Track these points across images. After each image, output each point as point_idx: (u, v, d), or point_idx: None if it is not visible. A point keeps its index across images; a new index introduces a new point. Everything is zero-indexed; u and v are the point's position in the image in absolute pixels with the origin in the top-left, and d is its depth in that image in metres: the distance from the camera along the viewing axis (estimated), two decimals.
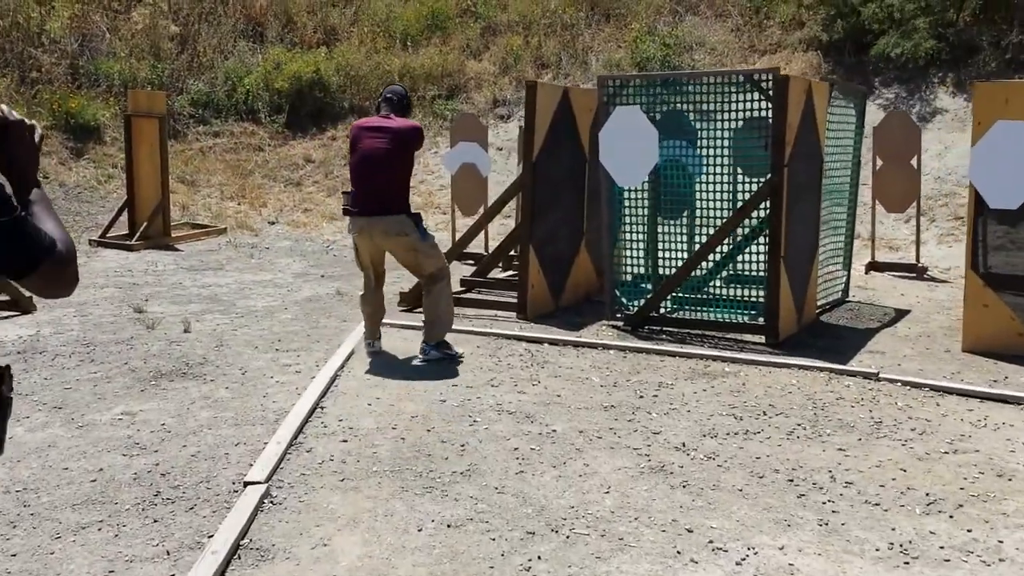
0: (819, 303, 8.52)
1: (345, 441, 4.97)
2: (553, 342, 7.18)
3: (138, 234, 12.28)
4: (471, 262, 10.42)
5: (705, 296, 7.92)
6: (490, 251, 10.05)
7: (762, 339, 7.28)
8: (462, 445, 4.93)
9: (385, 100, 6.66)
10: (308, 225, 14.09)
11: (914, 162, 10.46)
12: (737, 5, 17.41)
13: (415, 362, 6.57)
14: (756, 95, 7.27)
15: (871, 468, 4.68)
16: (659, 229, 7.92)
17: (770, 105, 7.11)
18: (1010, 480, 4.55)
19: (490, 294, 9.01)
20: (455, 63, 17.74)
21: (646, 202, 7.88)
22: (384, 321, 7.54)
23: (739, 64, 16.61)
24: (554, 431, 5.15)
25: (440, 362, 6.51)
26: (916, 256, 10.73)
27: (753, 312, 7.53)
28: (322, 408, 5.51)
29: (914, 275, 10.46)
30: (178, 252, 12.06)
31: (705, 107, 7.57)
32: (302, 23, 19.25)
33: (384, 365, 6.52)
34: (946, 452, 4.94)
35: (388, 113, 6.59)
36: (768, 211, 7.18)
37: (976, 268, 7.07)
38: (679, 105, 7.66)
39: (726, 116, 7.47)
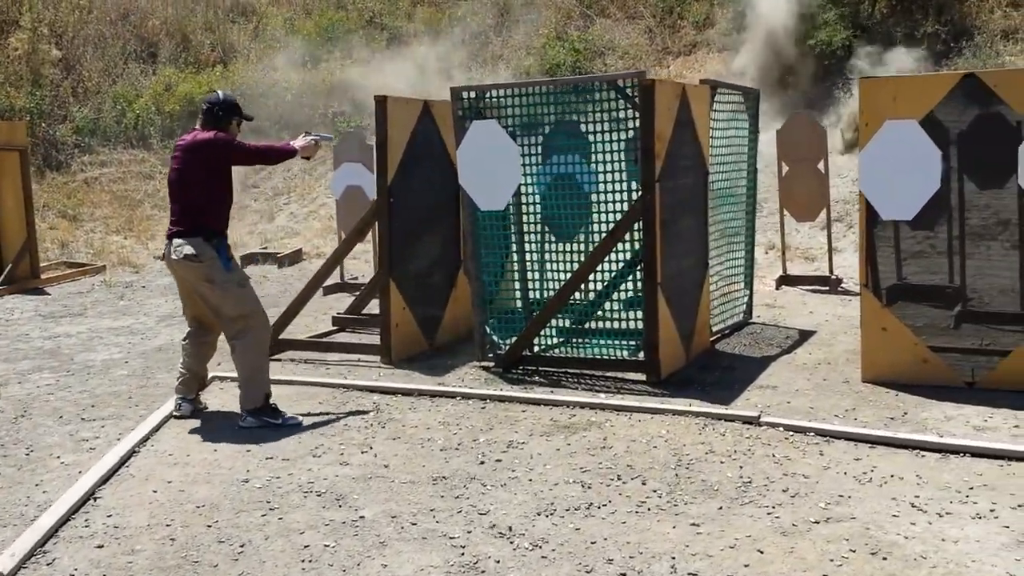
0: (716, 329, 7.80)
1: (101, 547, 4.12)
2: (407, 393, 6.37)
3: (1, 278, 11.30)
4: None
5: (582, 330, 7.14)
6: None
7: (644, 377, 6.53)
8: (242, 545, 4.10)
9: (199, 112, 5.92)
10: None
11: (821, 166, 9.81)
12: (649, 6, 16.75)
13: (240, 424, 5.75)
14: (622, 103, 6.52)
15: (723, 551, 3.92)
16: (528, 256, 7.15)
17: (636, 114, 6.37)
18: (884, 559, 3.81)
19: (362, 335, 8.20)
20: (359, 77, 16.90)
21: (511, 227, 7.09)
22: (220, 373, 6.72)
23: (653, 67, 15.95)
24: (362, 518, 4.33)
25: (261, 430, 5.66)
26: (829, 267, 10.07)
27: (633, 346, 6.77)
28: (95, 500, 4.65)
29: (827, 288, 9.79)
30: (45, 296, 11.12)
31: (568, 117, 6.81)
32: (198, 41, 18.33)
33: (201, 433, 5.67)
34: (817, 521, 4.20)
35: (194, 128, 5.87)
36: (640, 233, 6.43)
37: (872, 287, 6.37)
38: (542, 116, 6.88)
39: (593, 127, 6.72)
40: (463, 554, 3.94)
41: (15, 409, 6.29)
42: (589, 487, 4.64)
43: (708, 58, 15.81)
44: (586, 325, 7.10)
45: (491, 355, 7.01)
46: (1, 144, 11.48)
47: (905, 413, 5.72)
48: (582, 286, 6.80)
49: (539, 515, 4.31)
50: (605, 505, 4.42)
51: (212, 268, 5.62)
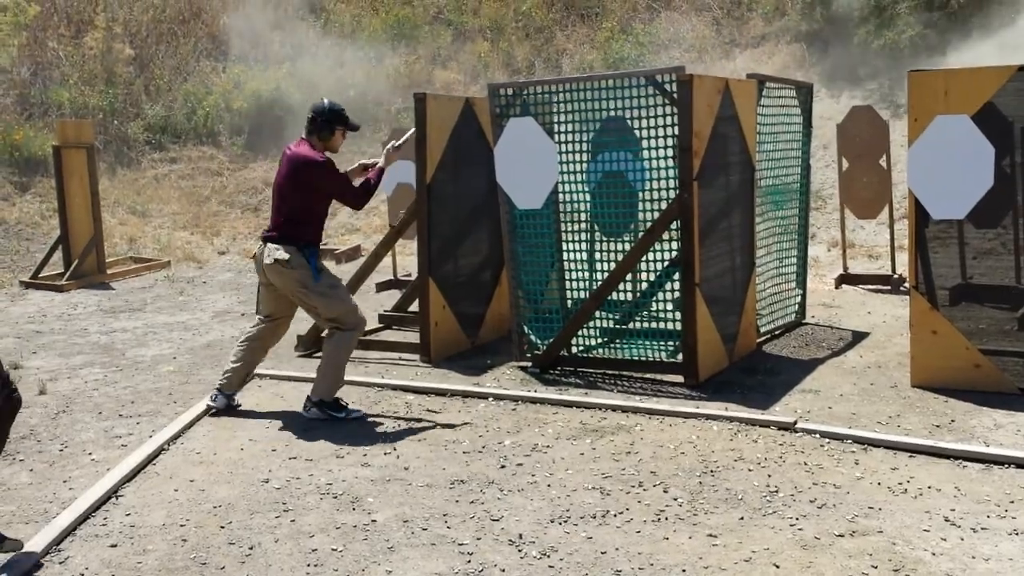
0: (764, 330, 7.59)
1: (114, 546, 4.14)
2: (440, 393, 6.32)
3: (68, 273, 11.57)
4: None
5: (621, 331, 7.01)
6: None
7: (682, 379, 6.38)
8: (251, 547, 4.09)
9: (307, 120, 5.89)
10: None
11: (883, 162, 9.50)
12: None
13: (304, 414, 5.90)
14: (661, 99, 6.36)
15: (737, 564, 3.79)
16: (566, 256, 7.04)
17: (675, 110, 6.21)
18: None
19: (407, 333, 8.18)
20: (422, 73, 16.95)
21: (551, 225, 6.98)
22: (260, 371, 6.76)
23: (719, 61, 15.68)
24: (373, 522, 4.29)
25: (320, 421, 5.81)
26: (891, 266, 9.75)
27: (672, 348, 6.62)
28: (118, 498, 4.69)
29: (888, 288, 9.48)
30: (110, 291, 11.33)
31: (607, 114, 6.66)
32: (267, 39, 18.53)
33: (231, 431, 5.70)
34: (841, 535, 4.03)
35: (302, 137, 5.90)
36: (679, 232, 6.28)
37: (923, 288, 6.13)
38: (582, 113, 6.75)
39: (634, 125, 6.57)
40: (469, 561, 3.88)
41: (58, 404, 6.40)
42: (608, 494, 4.53)
43: (777, 50, 15.46)
44: (625, 326, 6.96)
45: (529, 355, 6.92)
46: (70, 142, 11.74)
47: (952, 420, 5.48)
48: (620, 286, 6.65)
49: (552, 522, 4.22)
50: (622, 513, 4.31)
51: (303, 275, 5.70)
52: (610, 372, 6.68)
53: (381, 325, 8.47)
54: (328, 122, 5.77)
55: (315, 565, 3.91)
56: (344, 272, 11.95)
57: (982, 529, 4.05)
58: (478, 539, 4.07)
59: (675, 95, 6.19)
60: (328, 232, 13.81)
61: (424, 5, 18.47)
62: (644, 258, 6.62)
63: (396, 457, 5.11)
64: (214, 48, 18.17)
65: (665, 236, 6.50)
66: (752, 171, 7.07)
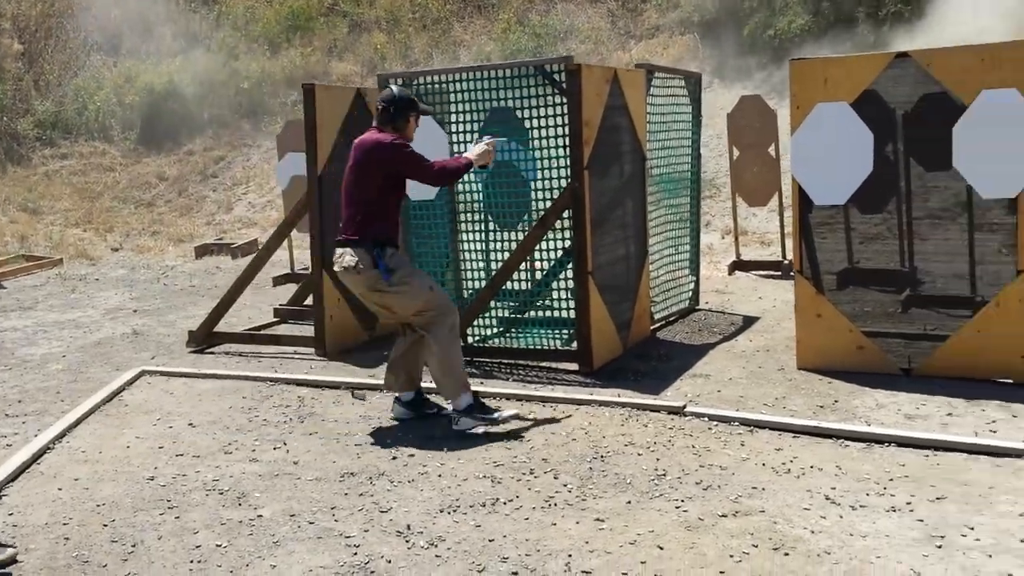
0: (658, 316, 7.69)
1: None
2: (333, 386, 6.25)
3: None
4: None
5: (517, 320, 7.03)
6: None
7: (577, 367, 6.42)
8: (134, 545, 3.98)
9: (376, 110, 5.48)
10: (153, 250, 13.03)
11: (772, 150, 9.70)
12: None
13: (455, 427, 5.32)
14: (551, 89, 6.39)
15: (622, 547, 3.82)
16: (462, 247, 7.02)
17: (565, 100, 6.24)
18: (786, 555, 3.71)
19: (304, 327, 8.06)
20: (318, 65, 16.73)
21: (445, 216, 6.96)
22: (149, 367, 6.59)
23: (615, 52, 15.82)
24: (259, 517, 4.22)
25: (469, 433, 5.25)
26: (782, 252, 9.98)
27: (566, 336, 6.66)
28: (1, 498, 4.52)
29: (779, 273, 9.69)
30: (0, 290, 10.93)
31: (496, 104, 6.66)
32: (159, 32, 18.10)
33: (118, 430, 5.53)
34: (724, 515, 4.10)
35: (373, 126, 5.45)
36: (571, 221, 6.31)
37: (808, 273, 6.27)
38: (473, 103, 6.73)
39: (523, 114, 6.58)
40: (356, 554, 3.83)
41: None
42: (499, 482, 4.53)
43: (671, 41, 15.66)
44: (521, 315, 6.98)
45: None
46: None
47: (836, 401, 5.63)
48: (515, 275, 6.66)
49: (441, 512, 4.20)
50: (511, 501, 4.31)
51: (372, 278, 5.25)
52: (506, 361, 6.69)
53: (276, 320, 8.34)
54: (401, 110, 5.36)
55: (199, 561, 3.83)
56: (241, 266, 11.72)
57: (861, 507, 4.16)
58: (365, 531, 4.03)
59: (564, 85, 6.21)
60: (224, 226, 13.59)
61: None
62: (540, 247, 6.65)
63: (286, 452, 5.03)
64: (104, 42, 17.66)
65: (560, 225, 6.54)
66: (643, 160, 7.15)
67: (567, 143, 6.31)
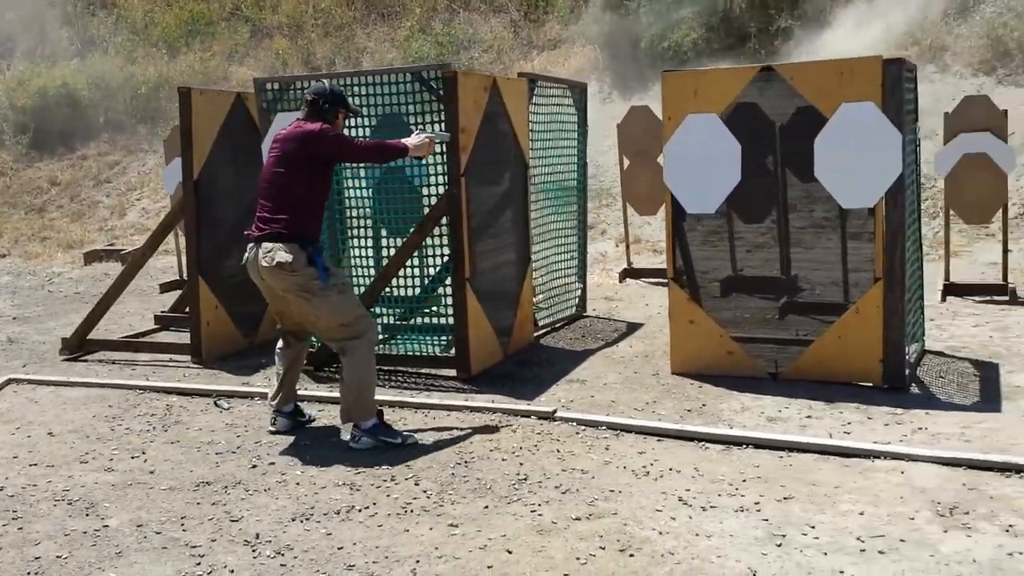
0: (544, 323, 7.74)
1: None
2: (204, 394, 6.15)
3: None
4: None
5: (398, 327, 7.00)
6: None
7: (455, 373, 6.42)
8: None
9: (304, 103, 5.29)
10: (42, 256, 12.67)
11: (661, 160, 9.81)
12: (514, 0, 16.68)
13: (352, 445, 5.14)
14: (428, 96, 6.39)
15: (471, 552, 3.82)
16: (353, 254, 6.95)
17: (442, 107, 6.25)
18: (631, 556, 3.76)
19: (184, 333, 7.91)
20: (218, 69, 16.47)
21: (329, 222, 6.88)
22: (16, 376, 6.40)
23: (518, 62, 15.89)
24: (106, 527, 4.12)
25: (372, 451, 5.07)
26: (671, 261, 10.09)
27: (445, 342, 6.66)
28: None
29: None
30: None
31: (378, 110, 6.63)
32: (56, 35, 17.63)
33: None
34: (578, 518, 4.13)
35: (298, 119, 5.24)
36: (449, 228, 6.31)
37: (682, 280, 6.37)
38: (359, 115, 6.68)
39: (408, 121, 6.56)
40: (199, 563, 3.77)
41: None
42: (358, 489, 4.50)
43: (573, 52, 15.80)
44: (402, 322, 6.96)
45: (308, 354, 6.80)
46: None
47: (704, 405, 5.72)
48: (396, 283, 6.64)
49: (294, 520, 4.16)
50: (367, 508, 4.28)
51: (308, 279, 4.99)
52: (387, 368, 6.65)
53: (157, 327, 8.18)
54: (332, 104, 5.20)
55: (36, 573, 3.72)
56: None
57: (711, 507, 4.23)
58: (213, 541, 3.97)
59: (441, 92, 6.22)
60: (116, 232, 13.30)
61: (220, 1, 17.97)
62: (423, 254, 6.64)
63: (144, 461, 4.93)
64: None
65: (439, 232, 6.52)
66: (525, 168, 7.19)
67: (444, 150, 6.32)
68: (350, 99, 5.76)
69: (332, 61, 16.46)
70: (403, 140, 5.44)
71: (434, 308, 6.93)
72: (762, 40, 14.02)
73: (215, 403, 5.86)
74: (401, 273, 6.63)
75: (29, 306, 9.62)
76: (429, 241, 6.53)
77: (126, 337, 7.63)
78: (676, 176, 6.24)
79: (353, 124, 6.72)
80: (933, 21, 12.52)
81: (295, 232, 5.02)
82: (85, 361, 7.14)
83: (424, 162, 6.58)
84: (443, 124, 6.27)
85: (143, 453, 5.05)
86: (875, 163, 5.71)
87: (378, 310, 6.91)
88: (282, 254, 4.96)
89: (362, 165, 6.73)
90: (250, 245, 5.13)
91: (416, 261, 6.68)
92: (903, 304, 5.85)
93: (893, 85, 5.66)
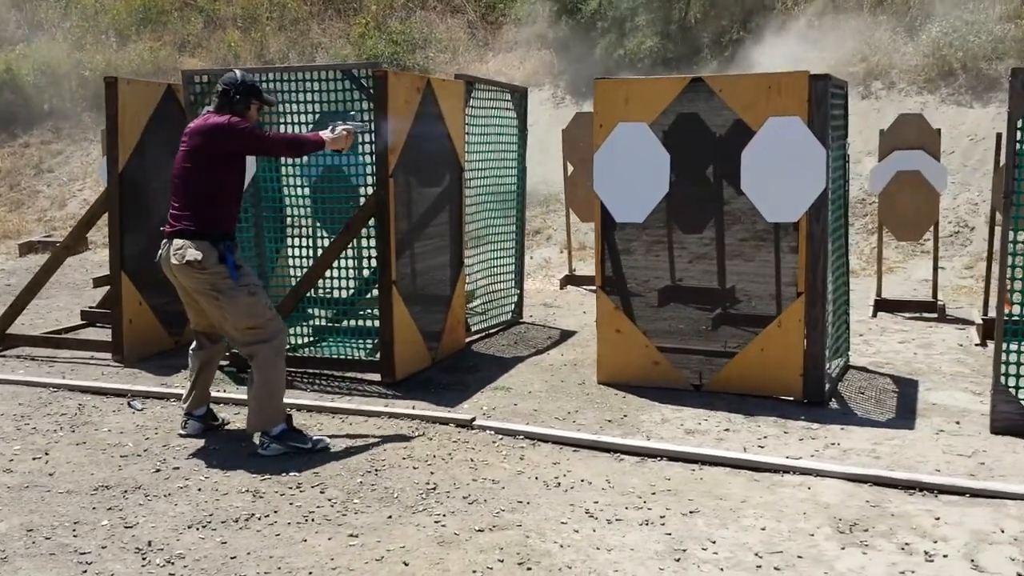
0: (477, 328, 7.69)
1: None
2: (119, 393, 6.03)
3: None
4: None
5: (325, 329, 6.93)
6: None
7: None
8: None
9: (214, 94, 5.12)
10: None
11: None
12: (471, 1, 16.61)
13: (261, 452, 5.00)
14: (358, 95, 6.31)
15: (367, 563, 3.76)
16: (290, 252, 6.86)
17: (372, 106, 6.17)
18: (529, 569, 3.72)
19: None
20: (168, 59, 16.26)
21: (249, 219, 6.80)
22: None
23: (473, 63, 15.83)
24: None
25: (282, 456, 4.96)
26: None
27: (371, 346, 6.59)
28: None
29: None
30: None
31: (305, 107, 6.54)
32: (2, 17, 17.32)
33: None
34: (481, 530, 4.08)
35: (208, 111, 5.10)
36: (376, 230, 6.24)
37: (611, 289, 6.35)
38: (280, 105, 6.60)
39: (333, 119, 6.47)
40: (86, 571, 3.68)
41: None
42: (261, 496, 4.42)
43: (529, 56, 15.76)
44: (329, 324, 6.88)
45: (228, 353, 6.70)
46: None
47: (625, 416, 5.70)
48: (321, 284, 6.56)
49: (190, 528, 4.07)
50: (268, 516, 4.20)
51: (218, 277, 4.88)
52: (312, 371, 6.57)
53: (83, 323, 8.02)
54: (244, 95, 5.02)
55: None
56: (65, 266, 11.25)
57: (616, 520, 4.20)
58: (103, 548, 3.87)
59: (371, 91, 6.15)
60: (55, 223, 13.06)
61: None
62: (353, 255, 6.57)
63: (45, 462, 4.81)
64: None
65: (367, 233, 6.46)
66: (460, 171, 7.13)
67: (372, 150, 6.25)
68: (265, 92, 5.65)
69: (285, 55, 16.31)
70: (320, 133, 5.33)
71: (362, 311, 6.86)
72: (715, 51, 14.08)
73: (128, 404, 5.75)
74: (329, 275, 6.57)
75: None
76: (357, 243, 6.46)
77: (48, 333, 7.47)
78: (606, 184, 6.21)
79: (292, 122, 6.64)
80: (881, 39, 12.63)
81: (206, 229, 4.92)
82: (3, 357, 6.98)
83: (363, 160, 6.51)
84: (372, 123, 6.20)
85: (46, 454, 4.93)
86: (799, 178, 5.72)
87: (306, 311, 6.83)
88: (192, 251, 4.87)
89: (300, 162, 6.65)
90: (163, 242, 5.04)
91: (344, 263, 6.60)
92: (824, 319, 5.87)
93: (819, 100, 5.68)
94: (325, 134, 5.31)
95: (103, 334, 7.60)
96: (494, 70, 15.59)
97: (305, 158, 6.65)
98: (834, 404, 5.89)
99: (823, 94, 5.68)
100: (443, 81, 6.92)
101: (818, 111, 5.69)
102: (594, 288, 9.83)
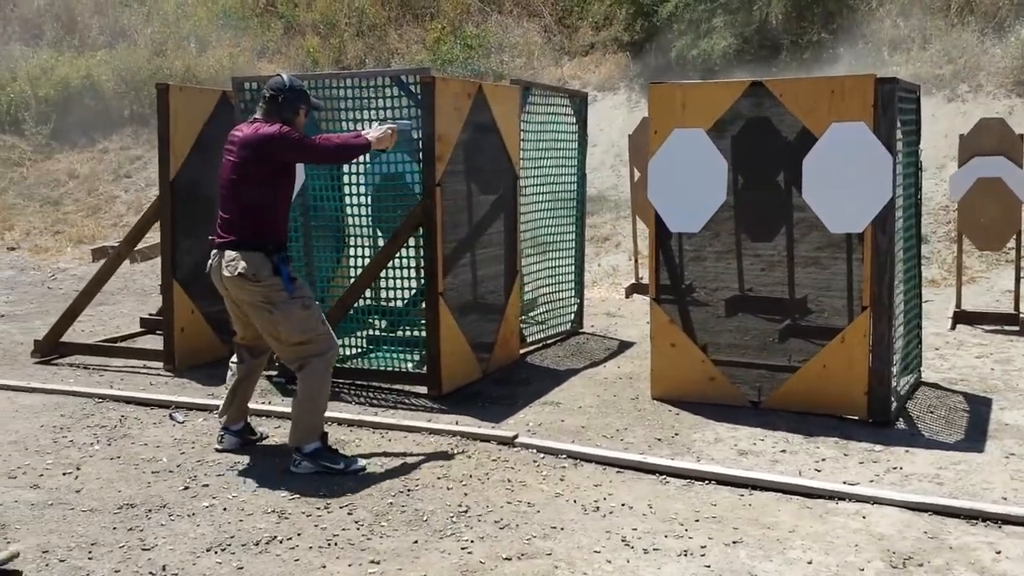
0: (533, 339, 7.49)
1: None
2: (163, 405, 5.98)
3: None
4: None
5: (375, 339, 6.80)
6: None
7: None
8: None
9: (261, 99, 4.98)
10: (51, 250, 12.66)
11: None
12: (547, 4, 16.41)
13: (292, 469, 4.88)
14: (406, 101, 6.17)
15: None
16: (351, 262, 6.74)
17: (420, 112, 6.02)
18: None
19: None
20: (247, 65, 16.40)
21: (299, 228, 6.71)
22: None
23: (548, 68, 15.65)
24: (13, 555, 3.94)
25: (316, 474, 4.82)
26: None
27: (419, 359, 6.44)
28: None
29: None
30: None
31: (356, 114, 6.42)
32: (86, 24, 17.70)
33: None
34: (509, 558, 3.89)
35: (255, 118, 4.95)
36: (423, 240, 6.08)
37: (666, 300, 6.09)
38: (330, 112, 6.49)
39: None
40: None
41: None
42: (286, 517, 4.29)
43: (604, 59, 15.51)
44: (379, 334, 6.76)
45: (277, 364, 6.62)
46: None
47: (676, 434, 5.44)
48: (368, 294, 6.44)
49: (208, 551, 3.95)
50: (290, 539, 4.07)
51: (272, 290, 4.76)
52: (360, 382, 6.45)
53: (142, 330, 8.04)
54: (292, 100, 4.89)
55: None
56: (136, 271, 11.42)
57: (654, 550, 3.96)
58: (116, 572, 3.77)
59: (419, 96, 6.00)
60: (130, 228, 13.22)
61: None
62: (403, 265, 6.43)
63: (75, 478, 4.75)
64: (24, 31, 17.26)
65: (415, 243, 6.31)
66: (515, 178, 6.94)
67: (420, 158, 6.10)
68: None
69: (362, 61, 16.33)
70: (363, 134, 5.16)
71: (411, 322, 6.71)
72: (793, 53, 13.64)
73: (170, 416, 5.70)
74: (377, 285, 6.45)
75: (23, 303, 9.55)
76: (406, 252, 6.32)
77: (104, 340, 7.50)
78: (660, 192, 5.96)
79: (327, 127, 6.52)
80: (969, 40, 12.07)
81: (258, 240, 4.80)
82: (56, 365, 7.01)
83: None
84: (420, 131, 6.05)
85: (78, 469, 4.87)
86: (864, 186, 5.39)
87: (353, 323, 6.71)
88: (242, 265, 4.74)
89: (359, 169, 6.51)
90: (213, 252, 4.92)
91: (393, 273, 6.46)
92: (891, 334, 5.52)
93: (886, 105, 5.34)
94: (370, 135, 5.14)
95: (159, 342, 7.61)
96: (569, 74, 15.38)
97: (364, 165, 6.55)
98: (901, 424, 5.55)
99: (890, 98, 5.34)
100: (496, 87, 6.74)
101: (884, 116, 5.35)
102: None
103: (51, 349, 7.04)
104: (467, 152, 6.32)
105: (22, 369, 6.88)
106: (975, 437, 5.24)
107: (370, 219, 6.75)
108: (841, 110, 5.38)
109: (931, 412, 5.74)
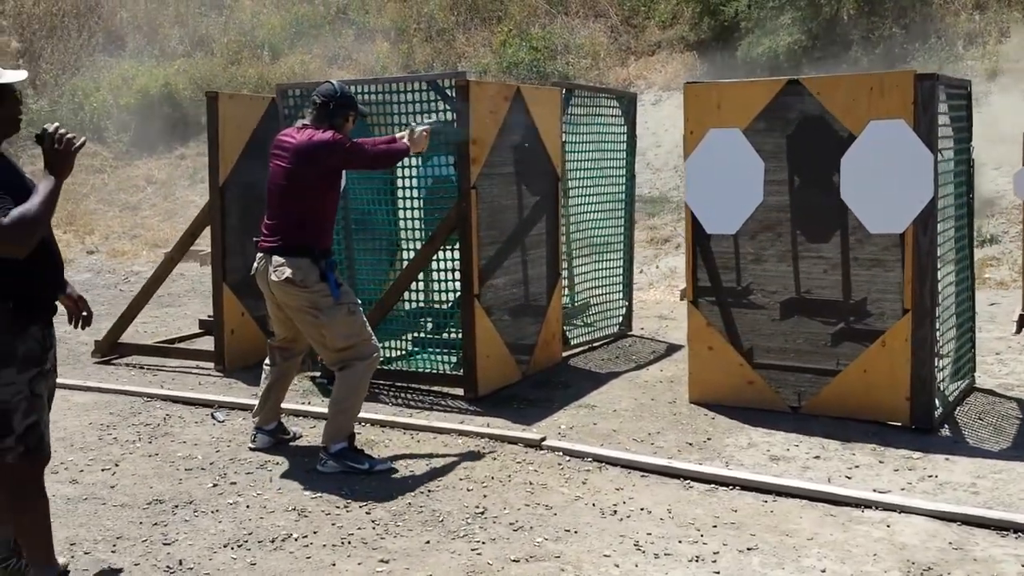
0: (580, 341, 7.47)
1: None
2: (207, 404, 6.13)
3: None
4: None
5: (414, 341, 6.86)
6: None
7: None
8: None
9: (311, 106, 5.05)
10: (128, 254, 13.05)
11: None
12: (614, 4, 16.36)
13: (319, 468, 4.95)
14: (443, 105, 6.22)
15: None
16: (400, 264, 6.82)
17: (455, 116, 6.06)
18: None
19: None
20: (318, 71, 16.70)
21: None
22: None
23: (614, 68, 15.60)
24: None
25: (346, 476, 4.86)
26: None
27: (455, 361, 6.47)
28: None
29: None
30: None
31: (394, 119, 6.47)
32: (166, 33, 18.23)
33: None
34: (517, 560, 3.89)
35: (304, 124, 5.02)
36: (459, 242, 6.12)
37: (703, 303, 6.03)
38: (377, 116, 6.57)
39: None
40: None
41: None
42: (306, 515, 4.36)
43: (670, 59, 15.40)
44: (419, 336, 6.81)
45: (321, 366, 6.72)
46: None
47: (708, 439, 5.37)
48: (407, 296, 6.50)
49: (225, 547, 4.04)
50: (306, 537, 4.13)
51: (319, 295, 4.82)
52: (400, 384, 6.51)
53: (200, 331, 8.24)
54: (341, 107, 4.96)
55: None
56: (205, 274, 11.68)
57: (665, 555, 3.93)
58: (136, 565, 3.89)
59: (455, 100, 6.04)
60: (205, 233, 13.56)
61: (326, 3, 18.24)
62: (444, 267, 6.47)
63: (112, 474, 4.90)
64: (108, 42, 17.83)
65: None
66: (556, 180, 6.93)
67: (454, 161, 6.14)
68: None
69: (431, 65, 16.49)
70: (400, 138, 5.21)
71: (449, 325, 6.75)
72: (865, 48, 13.36)
73: (212, 415, 5.83)
74: (417, 287, 6.51)
75: (95, 304, 9.64)
76: (443, 255, 6.36)
77: (162, 341, 7.71)
78: (697, 193, 5.90)
79: (367, 133, 6.57)
80: None
81: (306, 245, 4.85)
82: (115, 365, 7.23)
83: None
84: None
85: (116, 465, 5.03)
86: (905, 186, 5.26)
87: (394, 324, 6.78)
88: (289, 270, 4.80)
89: (412, 173, 6.56)
90: (259, 255, 4.99)
91: (432, 275, 6.52)
92: (933, 337, 5.36)
93: (927, 102, 5.20)
94: (406, 140, 5.19)
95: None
96: (635, 74, 15.32)
97: (416, 169, 6.59)
98: (945, 431, 5.39)
99: (931, 95, 5.20)
100: (535, 88, 6.75)
101: (925, 114, 5.20)
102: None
103: (110, 349, 7.26)
104: (505, 155, 6.34)
105: (82, 369, 7.11)
106: (1022, 445, 5.06)
107: (423, 223, 6.79)
108: (880, 108, 5.25)
109: (980, 419, 5.56)
